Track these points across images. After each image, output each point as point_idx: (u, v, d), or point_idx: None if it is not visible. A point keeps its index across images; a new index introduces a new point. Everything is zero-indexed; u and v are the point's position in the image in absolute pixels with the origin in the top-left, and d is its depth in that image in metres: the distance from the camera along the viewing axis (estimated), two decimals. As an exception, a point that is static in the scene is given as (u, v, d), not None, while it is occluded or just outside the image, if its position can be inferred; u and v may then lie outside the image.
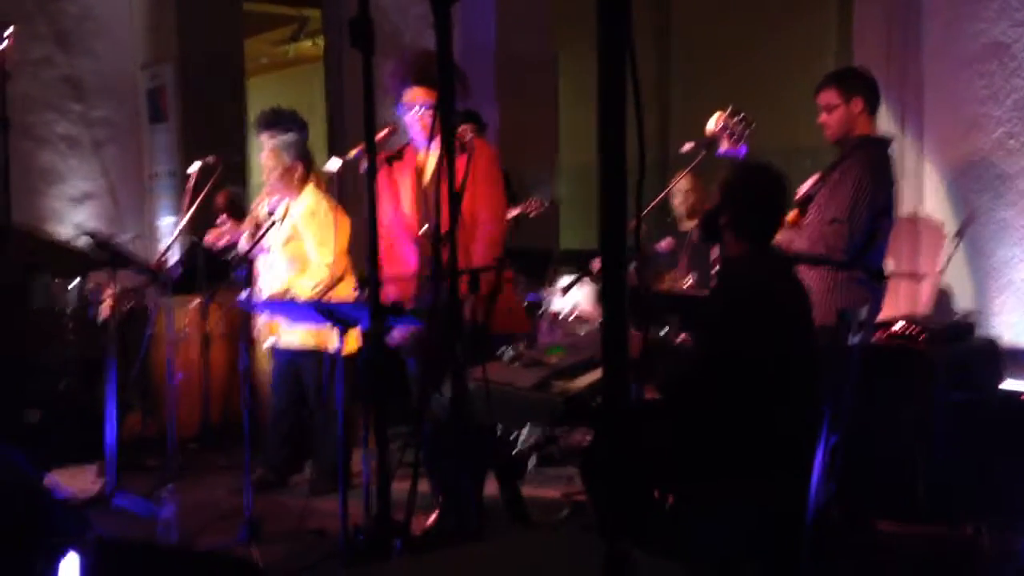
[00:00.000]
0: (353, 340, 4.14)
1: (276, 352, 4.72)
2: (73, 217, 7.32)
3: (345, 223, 4.52)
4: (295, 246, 4.54)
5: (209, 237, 5.08)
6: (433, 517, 4.01)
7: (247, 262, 4.55)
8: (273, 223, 4.39)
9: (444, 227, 2.24)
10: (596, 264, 4.21)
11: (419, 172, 3.94)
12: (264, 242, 4.57)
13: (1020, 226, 4.28)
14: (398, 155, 3.97)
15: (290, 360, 4.65)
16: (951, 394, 3.87)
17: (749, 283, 3.13)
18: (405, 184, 3.94)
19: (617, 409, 1.56)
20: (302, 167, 4.51)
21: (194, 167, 5.05)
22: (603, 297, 1.54)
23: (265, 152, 4.63)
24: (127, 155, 7.88)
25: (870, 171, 3.72)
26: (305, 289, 4.45)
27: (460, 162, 2.63)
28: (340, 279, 4.43)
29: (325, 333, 4.43)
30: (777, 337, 3.03)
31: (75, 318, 5.28)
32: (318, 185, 4.54)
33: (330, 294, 4.33)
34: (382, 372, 2.76)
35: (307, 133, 5.12)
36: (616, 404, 1.57)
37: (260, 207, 5.18)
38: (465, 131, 3.74)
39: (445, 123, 2.26)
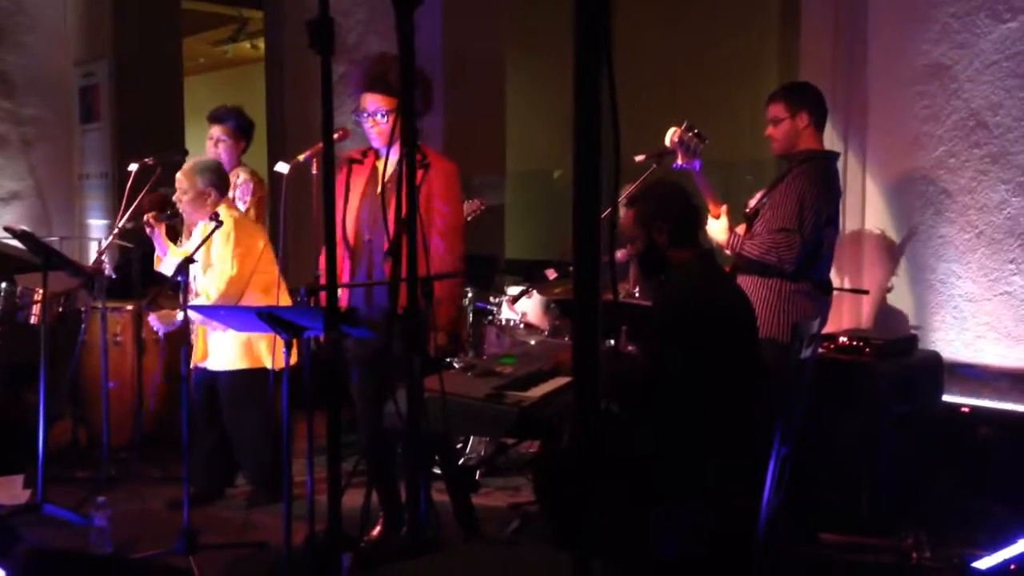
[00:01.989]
0: (295, 351, 4.04)
1: (195, 371, 4.52)
2: (-1, 217, 7.09)
3: (251, 247, 4.34)
4: (212, 272, 4.41)
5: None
6: (378, 528, 3.95)
7: (186, 267, 4.42)
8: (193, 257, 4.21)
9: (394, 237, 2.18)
10: (551, 273, 4.20)
11: (374, 178, 3.86)
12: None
13: (960, 242, 4.38)
14: (360, 158, 3.88)
15: (207, 376, 4.52)
16: (895, 407, 3.94)
17: (692, 291, 3.15)
18: (358, 189, 3.85)
19: (590, 422, 1.53)
20: (215, 193, 4.39)
21: (133, 167, 4.91)
22: (575, 307, 1.51)
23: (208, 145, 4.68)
24: (57, 155, 7.67)
25: (815, 182, 3.75)
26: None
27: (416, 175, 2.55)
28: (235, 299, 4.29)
29: (257, 352, 4.39)
30: (721, 346, 3.04)
31: (3, 322, 5.08)
32: (229, 207, 4.42)
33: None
34: (335, 380, 2.69)
35: (252, 132, 5.05)
36: (589, 416, 1.54)
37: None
38: (423, 147, 3.68)
39: (406, 130, 2.19)
